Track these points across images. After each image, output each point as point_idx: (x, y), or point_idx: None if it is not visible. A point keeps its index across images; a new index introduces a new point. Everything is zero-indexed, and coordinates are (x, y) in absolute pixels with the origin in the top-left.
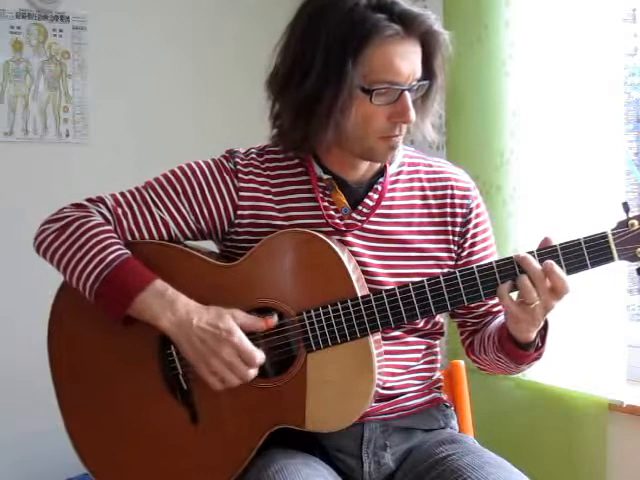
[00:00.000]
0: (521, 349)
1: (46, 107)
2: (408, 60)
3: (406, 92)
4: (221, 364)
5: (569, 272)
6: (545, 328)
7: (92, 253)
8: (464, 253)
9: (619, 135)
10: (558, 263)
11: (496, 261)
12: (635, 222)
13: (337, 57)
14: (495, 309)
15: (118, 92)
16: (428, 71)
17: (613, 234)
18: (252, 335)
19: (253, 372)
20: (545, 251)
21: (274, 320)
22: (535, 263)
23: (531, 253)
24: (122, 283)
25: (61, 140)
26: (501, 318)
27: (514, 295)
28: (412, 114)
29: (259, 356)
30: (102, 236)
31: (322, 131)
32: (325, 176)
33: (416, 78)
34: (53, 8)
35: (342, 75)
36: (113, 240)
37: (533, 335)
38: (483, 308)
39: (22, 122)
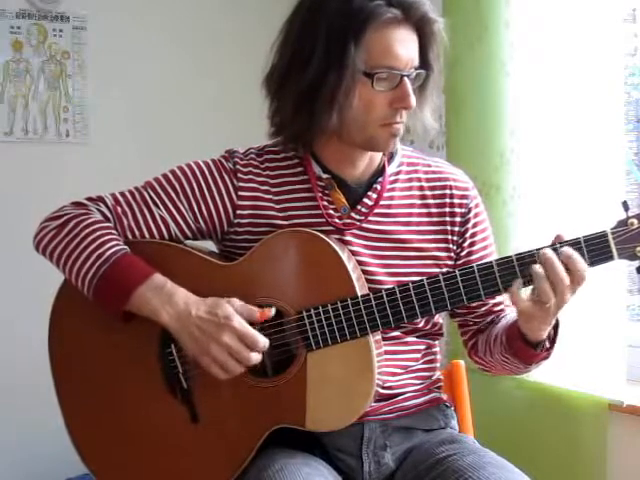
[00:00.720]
0: (531, 348)
1: (46, 107)
2: (406, 46)
3: (405, 78)
4: (222, 350)
5: None
6: (555, 328)
7: (90, 249)
8: (463, 253)
9: (619, 135)
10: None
11: (496, 260)
12: (634, 221)
13: (338, 43)
14: (496, 308)
15: (118, 92)
16: (424, 62)
17: (612, 233)
18: None
19: (256, 356)
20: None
21: (271, 312)
22: (557, 262)
23: (530, 251)
24: (120, 278)
25: (61, 140)
26: (507, 319)
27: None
28: (412, 99)
29: (262, 340)
30: (100, 232)
31: (325, 118)
32: (324, 175)
33: (414, 66)
34: (53, 8)
35: (345, 59)
36: (111, 236)
37: (545, 334)
38: (484, 308)
39: (22, 122)
